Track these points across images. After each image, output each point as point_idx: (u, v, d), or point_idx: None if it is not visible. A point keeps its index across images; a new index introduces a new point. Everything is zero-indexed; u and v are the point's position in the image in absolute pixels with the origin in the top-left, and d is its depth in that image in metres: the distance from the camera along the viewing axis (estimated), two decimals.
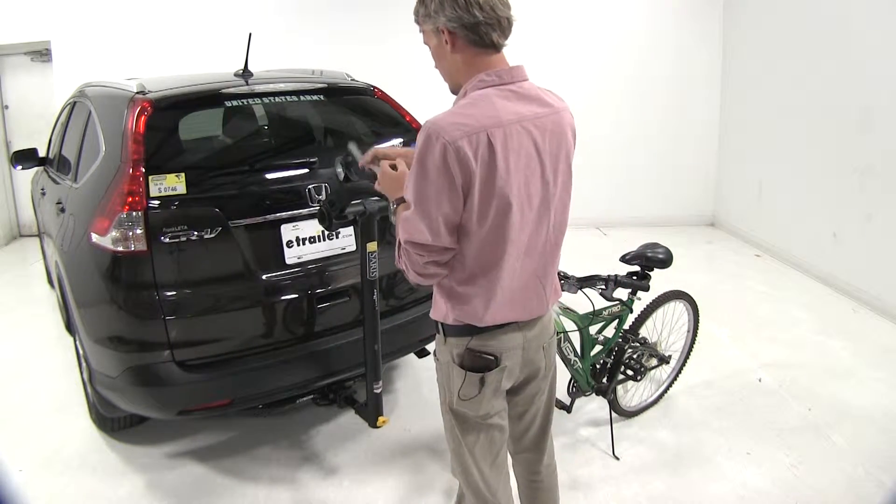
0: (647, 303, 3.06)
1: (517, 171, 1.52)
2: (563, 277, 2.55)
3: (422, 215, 1.51)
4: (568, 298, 2.60)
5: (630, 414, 3.19)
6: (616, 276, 2.57)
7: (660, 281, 3.00)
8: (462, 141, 1.45)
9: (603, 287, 2.58)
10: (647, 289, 2.77)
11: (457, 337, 1.69)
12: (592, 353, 2.84)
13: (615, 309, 2.87)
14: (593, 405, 3.30)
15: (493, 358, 1.67)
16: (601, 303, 2.74)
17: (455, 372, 1.70)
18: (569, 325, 2.71)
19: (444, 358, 1.75)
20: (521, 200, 1.55)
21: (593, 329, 2.85)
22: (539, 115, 1.57)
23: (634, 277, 2.73)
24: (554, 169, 1.61)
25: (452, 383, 1.71)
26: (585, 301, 2.73)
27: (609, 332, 2.94)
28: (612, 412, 3.02)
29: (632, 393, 3.23)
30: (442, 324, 1.72)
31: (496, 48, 1.59)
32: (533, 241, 1.63)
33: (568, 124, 1.65)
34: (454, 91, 1.67)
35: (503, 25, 1.57)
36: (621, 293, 2.75)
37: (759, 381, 3.59)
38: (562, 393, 2.89)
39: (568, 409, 2.86)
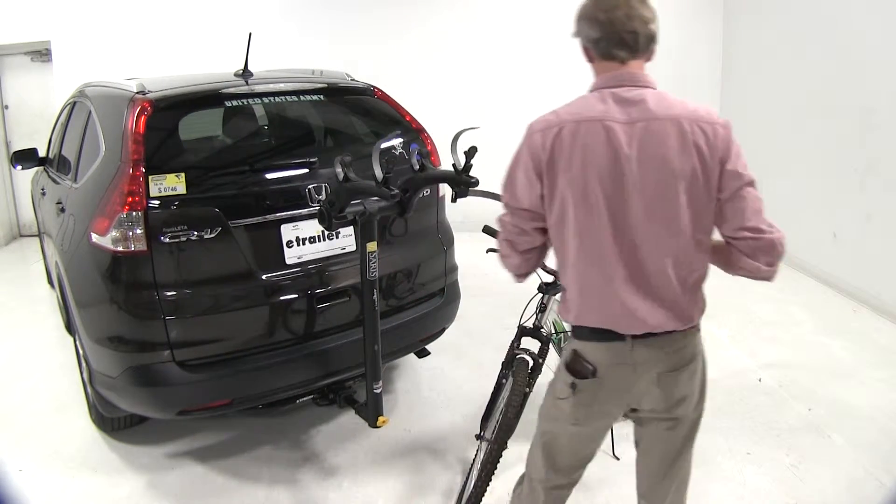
0: None
1: (582, 166, 1.58)
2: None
3: (506, 194, 1.70)
4: None
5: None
6: None
7: None
8: (537, 134, 1.63)
9: None
10: None
11: (574, 337, 1.74)
12: None
13: None
14: None
15: (589, 367, 1.67)
16: None
17: (560, 372, 1.75)
18: (569, 325, 2.71)
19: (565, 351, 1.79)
20: (578, 194, 1.58)
21: None
22: (633, 120, 1.58)
23: None
24: (644, 176, 1.57)
25: (556, 377, 1.77)
26: None
27: None
28: None
29: None
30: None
31: (620, 60, 1.64)
32: (603, 246, 1.60)
33: (687, 136, 1.57)
34: None
35: (627, 41, 1.61)
36: None
37: (759, 381, 3.59)
38: None
39: None
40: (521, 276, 1.83)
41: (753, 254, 1.62)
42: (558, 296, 2.60)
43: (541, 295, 2.59)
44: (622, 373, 1.67)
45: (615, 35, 1.60)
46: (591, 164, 1.57)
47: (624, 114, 1.59)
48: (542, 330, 2.57)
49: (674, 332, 1.65)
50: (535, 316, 2.58)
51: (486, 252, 2.60)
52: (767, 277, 1.67)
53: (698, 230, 1.62)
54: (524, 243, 1.73)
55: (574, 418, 1.73)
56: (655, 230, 1.60)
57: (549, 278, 2.56)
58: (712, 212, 1.63)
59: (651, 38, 1.64)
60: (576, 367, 1.69)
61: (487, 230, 2.68)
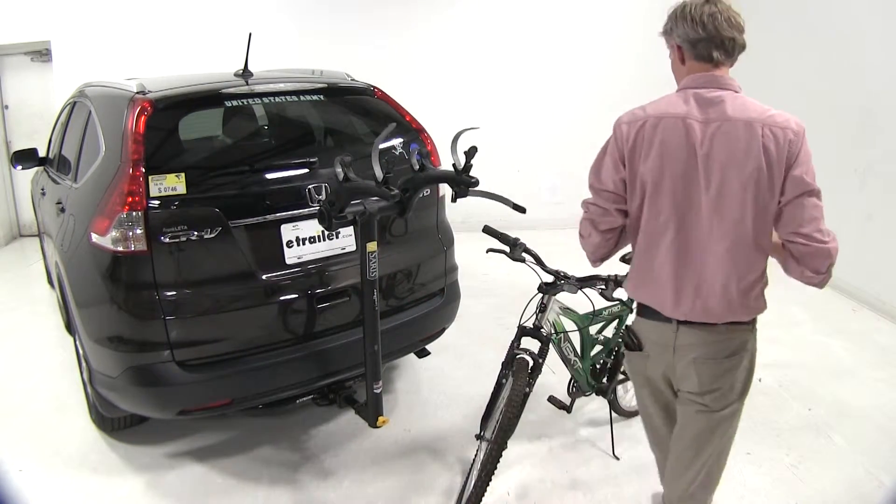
0: None
1: (658, 158, 1.72)
2: (563, 277, 2.55)
3: (593, 176, 1.86)
4: (568, 299, 2.60)
5: (630, 414, 3.19)
6: (616, 276, 2.57)
7: None
8: (624, 125, 1.78)
9: (603, 287, 2.58)
10: None
11: (636, 313, 1.93)
12: (592, 353, 2.84)
13: (615, 309, 2.87)
14: (593, 405, 3.30)
15: (636, 341, 1.91)
16: (601, 303, 2.74)
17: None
18: (569, 325, 2.71)
19: None
20: (652, 183, 1.74)
21: (593, 329, 2.85)
22: (710, 119, 1.70)
23: None
24: (712, 173, 1.69)
25: None
26: (586, 301, 2.73)
27: (609, 332, 2.94)
28: (613, 412, 3.02)
29: (632, 393, 3.22)
30: None
31: (714, 62, 1.75)
32: (666, 233, 1.75)
33: (756, 138, 1.66)
34: None
35: (726, 45, 1.73)
36: (622, 294, 2.75)
37: (759, 381, 3.59)
38: (562, 393, 2.90)
39: (568, 409, 2.86)
40: (599, 258, 1.96)
41: (803, 259, 1.71)
42: (558, 296, 2.61)
43: (541, 295, 2.59)
44: (664, 351, 1.84)
45: (717, 38, 1.71)
46: (667, 158, 1.72)
47: (703, 113, 1.71)
48: (542, 330, 2.57)
49: (717, 324, 1.75)
50: (535, 316, 2.58)
51: (487, 252, 2.60)
52: (816, 284, 1.75)
53: (758, 229, 1.71)
54: (605, 223, 1.88)
55: (634, 379, 2.05)
56: (717, 225, 1.70)
57: (549, 278, 2.56)
58: (772, 214, 1.71)
59: (742, 47, 1.76)
60: (626, 340, 1.94)
61: (488, 230, 2.68)
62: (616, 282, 2.56)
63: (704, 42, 1.71)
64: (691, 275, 1.74)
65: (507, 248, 2.56)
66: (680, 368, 1.82)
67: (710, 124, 1.69)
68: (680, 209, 1.72)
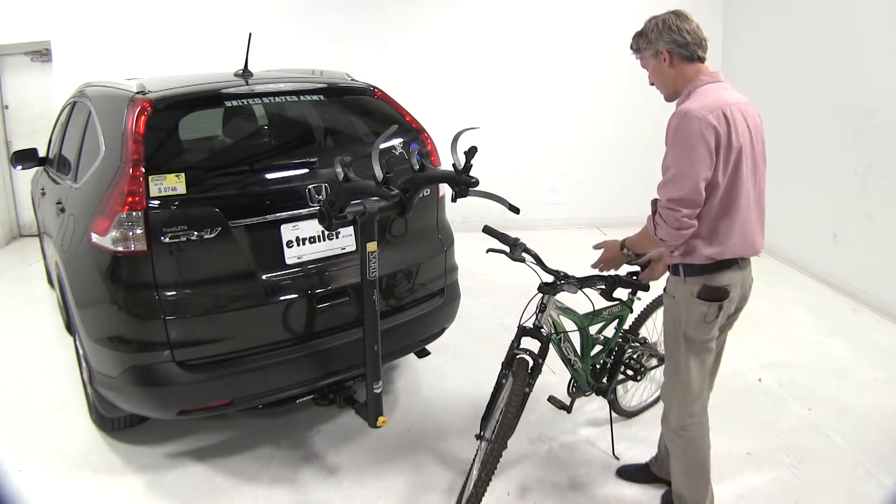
0: (647, 303, 3.06)
1: (743, 134, 2.12)
2: (564, 277, 2.55)
3: (683, 178, 2.08)
4: (568, 298, 2.60)
5: (630, 414, 3.19)
6: (616, 275, 2.58)
7: (661, 281, 2.99)
8: (709, 116, 2.05)
9: (603, 287, 2.58)
10: (646, 288, 2.77)
11: (695, 276, 2.21)
12: (592, 353, 2.84)
13: (615, 309, 2.87)
14: (593, 405, 3.30)
15: (726, 289, 2.21)
16: (601, 303, 2.74)
17: (694, 304, 2.22)
18: (569, 325, 2.71)
19: (681, 295, 2.26)
20: (747, 156, 2.14)
21: (593, 329, 2.85)
22: (742, 103, 2.18)
23: (634, 277, 2.73)
24: (758, 139, 2.20)
25: (690, 314, 2.24)
26: (586, 301, 2.73)
27: (609, 332, 2.94)
28: (612, 412, 3.02)
29: (632, 393, 3.22)
30: (682, 266, 2.24)
31: (701, 60, 2.20)
32: (753, 189, 2.20)
33: (757, 112, 2.24)
34: (670, 97, 2.27)
35: (703, 45, 2.19)
36: (622, 294, 2.75)
37: (759, 381, 3.59)
38: (562, 393, 2.90)
39: (568, 409, 2.85)
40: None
41: None
42: (558, 296, 2.61)
43: (541, 295, 2.59)
44: (738, 289, 2.28)
45: (699, 40, 2.17)
46: (744, 132, 2.13)
47: (737, 99, 2.17)
48: (542, 330, 2.57)
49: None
50: (535, 316, 2.58)
51: (487, 252, 2.60)
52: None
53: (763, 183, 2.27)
54: (699, 209, 2.22)
55: (704, 343, 2.30)
56: (758, 183, 2.23)
57: (549, 278, 2.56)
58: None
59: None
60: (713, 296, 2.21)
61: (488, 230, 2.68)
62: (616, 281, 2.56)
63: (692, 45, 2.15)
64: (762, 221, 2.28)
65: (507, 249, 2.56)
66: (743, 295, 2.33)
67: (744, 105, 2.17)
68: (753, 170, 2.19)
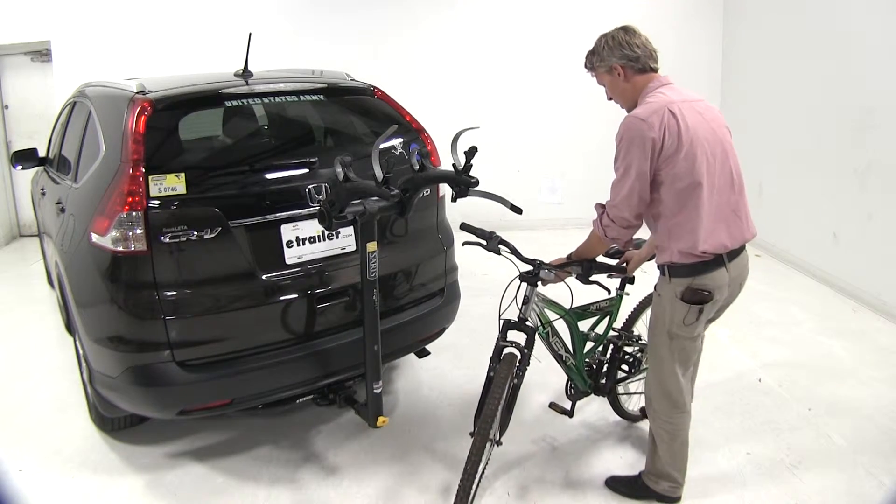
0: (640, 299, 3.04)
1: (695, 128, 2.17)
2: (540, 265, 2.55)
3: (626, 179, 2.19)
4: (552, 291, 2.58)
5: (635, 418, 3.16)
6: (592, 260, 2.54)
7: (651, 277, 2.99)
8: (652, 117, 2.14)
9: (579, 271, 2.55)
10: (632, 281, 2.77)
11: (680, 277, 2.27)
12: (585, 350, 2.83)
13: (603, 304, 2.86)
14: (594, 406, 3.30)
15: (709, 293, 2.26)
16: (590, 297, 2.72)
17: (678, 304, 2.28)
18: (554, 317, 2.70)
19: (666, 295, 2.32)
20: (702, 149, 2.17)
21: (585, 325, 2.84)
22: (695, 100, 2.28)
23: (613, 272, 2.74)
24: (720, 130, 2.26)
25: (675, 314, 2.30)
26: (578, 299, 2.73)
27: (601, 329, 2.93)
28: (615, 411, 3.01)
29: (636, 399, 3.21)
30: (667, 266, 2.30)
31: (654, 70, 2.32)
32: (718, 179, 2.23)
33: (714, 108, 2.34)
34: (630, 109, 2.31)
35: (654, 56, 2.31)
36: (601, 279, 2.72)
37: (759, 381, 3.59)
38: (561, 396, 2.89)
39: (569, 413, 2.84)
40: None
41: None
42: (543, 289, 2.60)
43: (522, 285, 2.57)
44: (725, 290, 2.36)
45: (648, 53, 2.29)
46: (699, 125, 2.20)
47: (687, 97, 2.25)
48: (527, 322, 2.56)
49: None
50: (520, 308, 2.57)
51: (462, 245, 2.61)
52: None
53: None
54: (643, 206, 2.35)
55: (692, 342, 2.39)
56: (738, 167, 2.32)
57: (528, 267, 2.55)
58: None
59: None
60: (696, 298, 2.26)
61: (465, 227, 2.66)
62: (590, 266, 2.53)
63: (643, 58, 2.27)
64: (741, 209, 2.34)
65: (483, 241, 2.57)
66: (731, 293, 2.41)
67: (697, 102, 2.26)
68: (720, 159, 2.25)
